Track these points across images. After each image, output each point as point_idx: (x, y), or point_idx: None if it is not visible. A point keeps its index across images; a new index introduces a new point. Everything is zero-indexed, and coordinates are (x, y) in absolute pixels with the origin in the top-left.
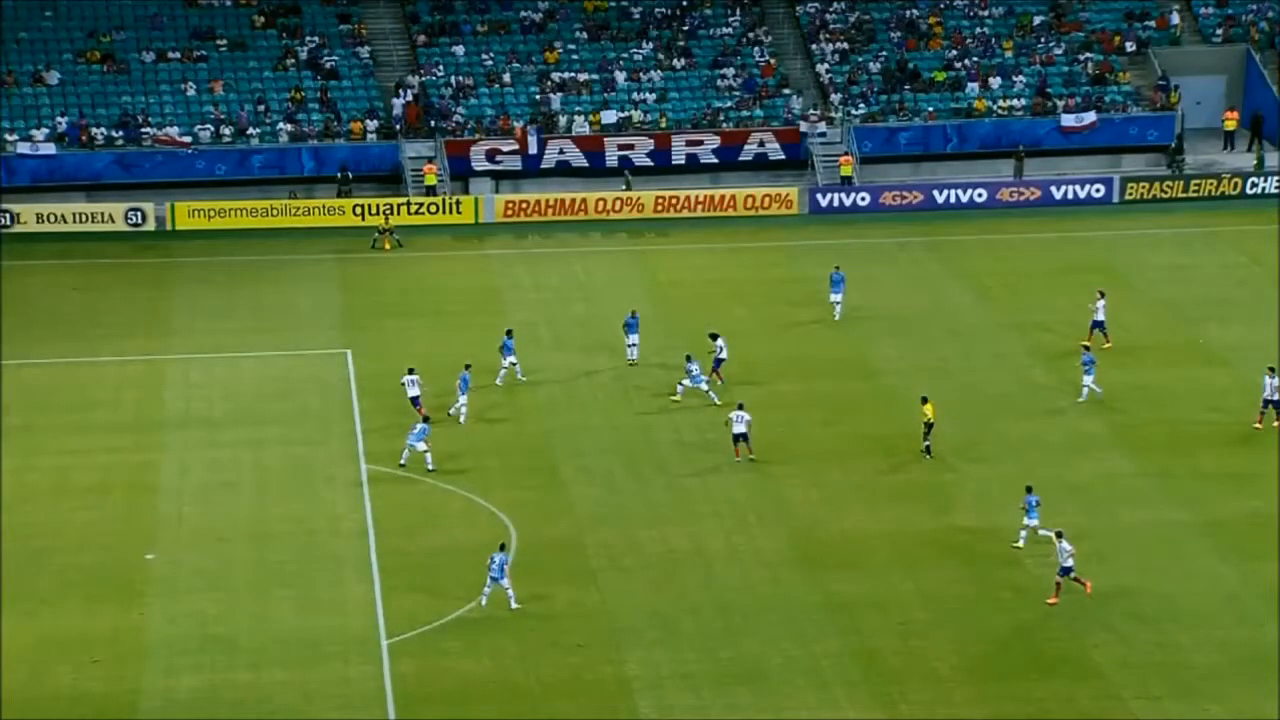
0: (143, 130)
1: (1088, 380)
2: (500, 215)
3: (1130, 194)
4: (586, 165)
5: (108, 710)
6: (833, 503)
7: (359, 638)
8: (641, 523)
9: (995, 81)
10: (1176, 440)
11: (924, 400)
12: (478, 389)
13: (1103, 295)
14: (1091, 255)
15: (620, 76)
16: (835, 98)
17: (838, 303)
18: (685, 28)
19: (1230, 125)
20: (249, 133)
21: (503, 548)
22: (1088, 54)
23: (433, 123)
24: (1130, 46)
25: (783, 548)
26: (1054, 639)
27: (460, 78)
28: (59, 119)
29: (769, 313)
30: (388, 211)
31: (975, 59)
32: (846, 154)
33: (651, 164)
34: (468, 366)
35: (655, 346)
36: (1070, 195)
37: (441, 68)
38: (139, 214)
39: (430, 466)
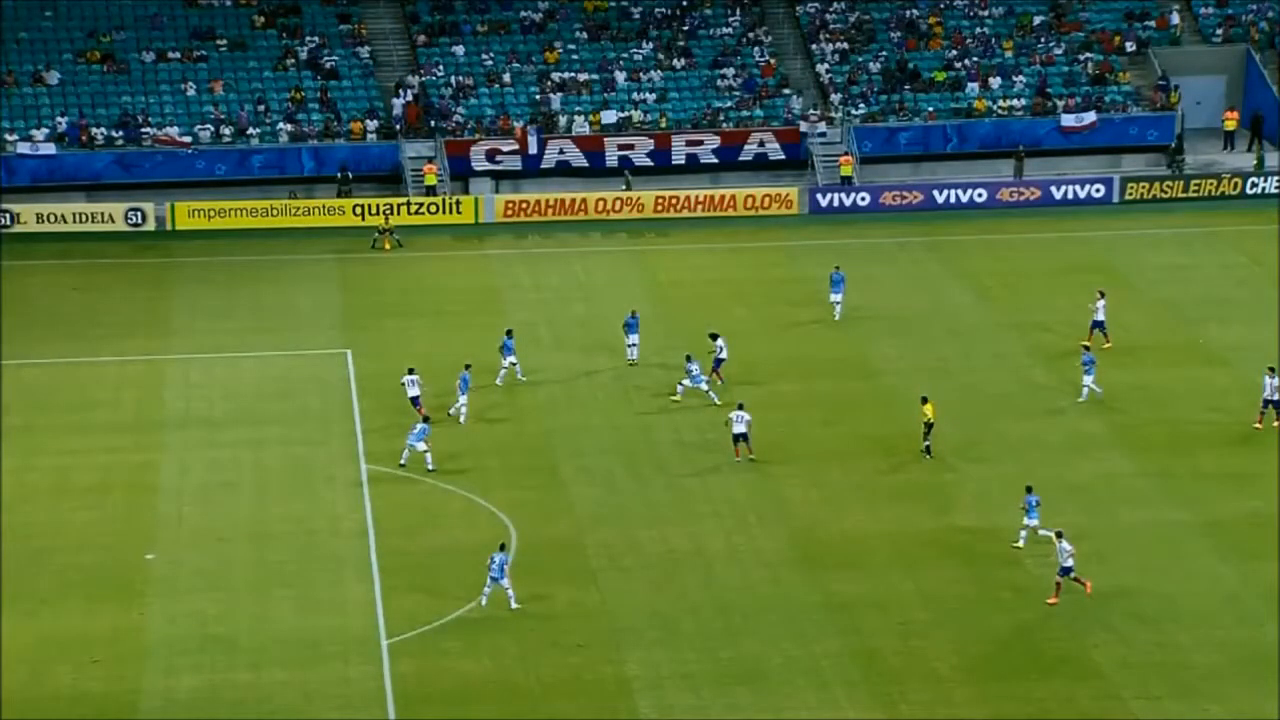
0: (143, 130)
1: (1088, 380)
2: (500, 215)
3: (1130, 194)
4: (586, 165)
5: (108, 710)
6: (833, 503)
7: (359, 638)
8: (641, 523)
9: (995, 81)
10: (1176, 440)
11: (924, 400)
12: (478, 389)
13: (1103, 295)
14: (1091, 255)
15: (620, 76)
16: (835, 98)
17: (838, 303)
18: (685, 28)
19: (1230, 125)
20: (249, 133)
21: (502, 548)
22: (1088, 54)
23: (433, 123)
24: (1130, 46)
25: (783, 548)
26: (1054, 639)
27: (460, 78)
28: (59, 119)
29: (769, 313)
30: (388, 211)
31: (975, 59)
32: (846, 154)
33: (651, 164)
34: (468, 366)
35: (655, 346)
36: (1070, 195)
37: (441, 68)
38: (139, 214)
39: (430, 466)
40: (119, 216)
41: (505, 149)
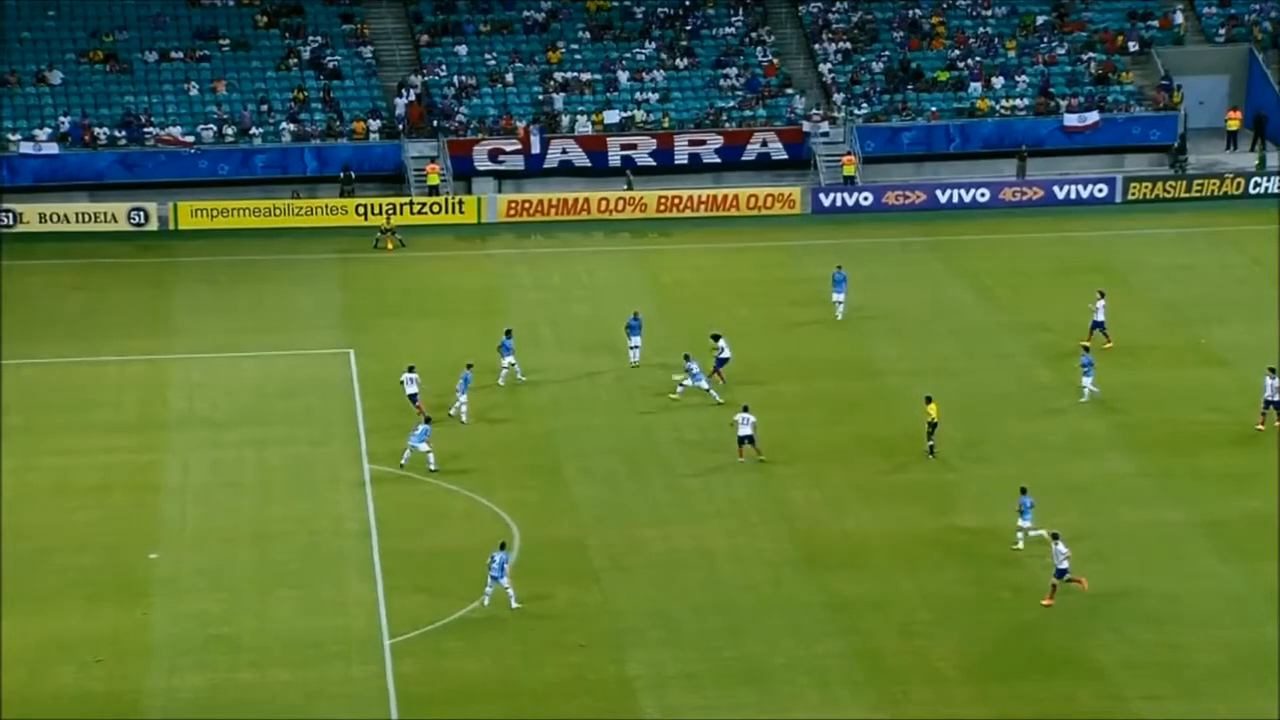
0: (145, 130)
1: (1086, 381)
2: (503, 215)
3: (1133, 194)
4: (589, 165)
5: (110, 710)
6: (835, 503)
7: (361, 638)
8: (644, 522)
9: (998, 81)
10: (1178, 440)
11: (928, 400)
12: (479, 389)
13: (1103, 295)
14: (1094, 255)
15: (623, 76)
16: (838, 97)
17: (840, 302)
18: (688, 27)
19: (1233, 125)
20: (252, 132)
21: (503, 546)
22: (1090, 54)
23: (435, 122)
24: (1133, 46)
25: (785, 548)
26: (1056, 639)
27: (463, 77)
28: (62, 119)
29: (771, 313)
30: (390, 211)
31: (978, 59)
32: (849, 154)
33: (654, 164)
34: (469, 366)
35: (657, 346)
36: (1073, 195)
37: (444, 67)
38: (142, 214)
39: (432, 467)
40: (122, 216)
41: (508, 149)
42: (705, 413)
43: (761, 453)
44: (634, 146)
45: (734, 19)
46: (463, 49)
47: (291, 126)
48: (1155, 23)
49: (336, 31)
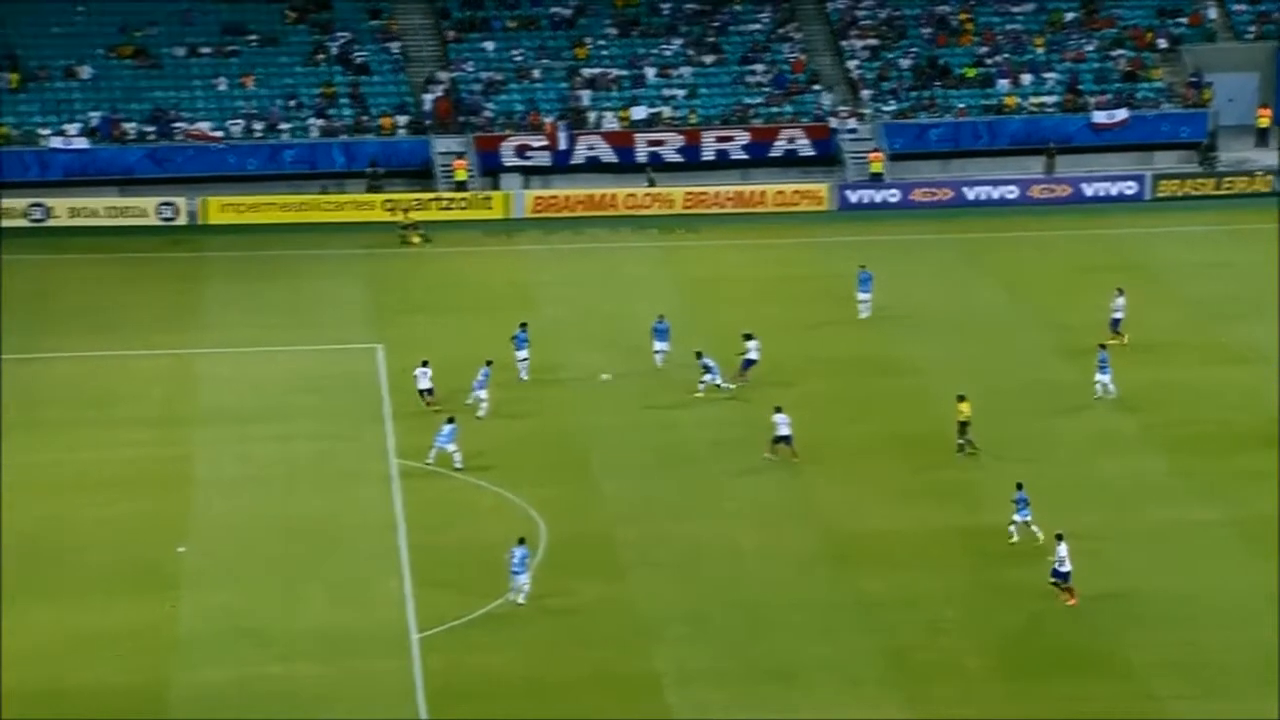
0: (174, 125)
1: (1103, 379)
2: (530, 211)
3: (1162, 191)
4: (616, 161)
5: (137, 703)
6: (862, 500)
7: (389, 632)
8: (670, 519)
9: (1026, 78)
10: (1207, 439)
11: (960, 399)
12: (506, 384)
13: (1121, 293)
14: (1122, 253)
15: (650, 72)
16: (865, 94)
17: (865, 301)
18: (715, 24)
19: (1263, 122)
20: (280, 128)
21: (521, 541)
22: (1119, 50)
23: (463, 118)
24: (1162, 43)
25: (812, 545)
26: (1085, 638)
27: (490, 73)
28: (92, 113)
29: (798, 310)
30: (409, 207)
31: (1006, 55)
32: (877, 150)
33: (681, 160)
34: (489, 363)
35: (685, 343)
36: (1101, 192)
37: (472, 63)
38: (171, 208)
39: (458, 465)
40: (151, 211)
41: (535, 145)
42: (731, 409)
43: (796, 454)
44: (661, 143)
45: (761, 15)
46: (490, 45)
47: (320, 122)
48: (1185, 19)
49: (364, 27)
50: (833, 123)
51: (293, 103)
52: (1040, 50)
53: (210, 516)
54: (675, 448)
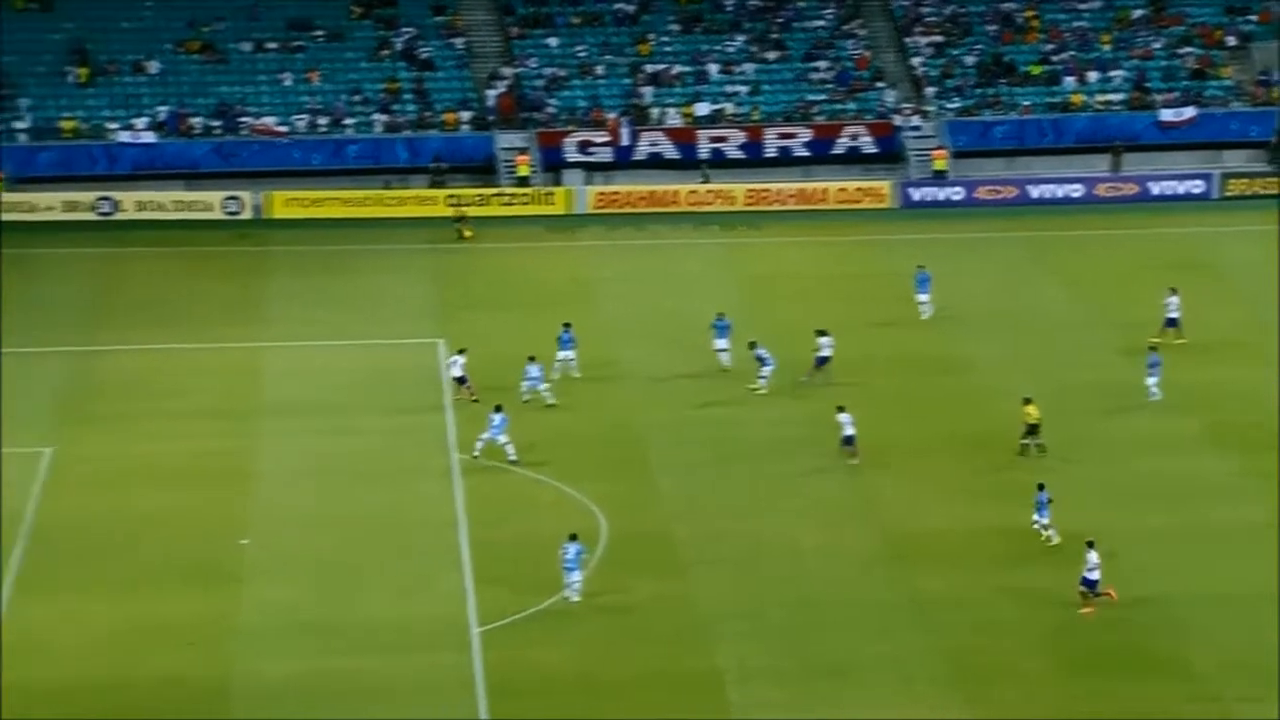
0: (240, 119)
1: (1151, 381)
2: (592, 207)
3: (1230, 190)
4: (679, 157)
5: (200, 695)
6: (922, 500)
7: (449, 626)
8: (729, 516)
9: (1092, 75)
10: (1269, 440)
11: (1026, 401)
12: (561, 381)
13: (1175, 291)
14: (1189, 252)
15: (713, 69)
16: (929, 91)
17: (924, 302)
18: (779, 20)
19: None
20: (344, 123)
21: (573, 538)
22: (1188, 48)
23: (526, 114)
24: (1231, 40)
25: (871, 544)
26: (1145, 639)
27: (554, 69)
28: (159, 108)
29: (860, 308)
30: (459, 201)
31: (1072, 52)
32: (940, 148)
33: (744, 157)
34: (531, 359)
35: (745, 340)
36: (1168, 191)
37: (535, 59)
38: (236, 202)
39: (512, 458)
40: (216, 205)
41: (598, 140)
42: (789, 406)
43: (857, 454)
44: (723, 139)
45: (825, 12)
46: (553, 41)
47: (384, 117)
48: (1254, 17)
49: (429, 23)
50: (896, 120)
51: (357, 98)
52: (1107, 47)
53: (272, 510)
54: (734, 445)
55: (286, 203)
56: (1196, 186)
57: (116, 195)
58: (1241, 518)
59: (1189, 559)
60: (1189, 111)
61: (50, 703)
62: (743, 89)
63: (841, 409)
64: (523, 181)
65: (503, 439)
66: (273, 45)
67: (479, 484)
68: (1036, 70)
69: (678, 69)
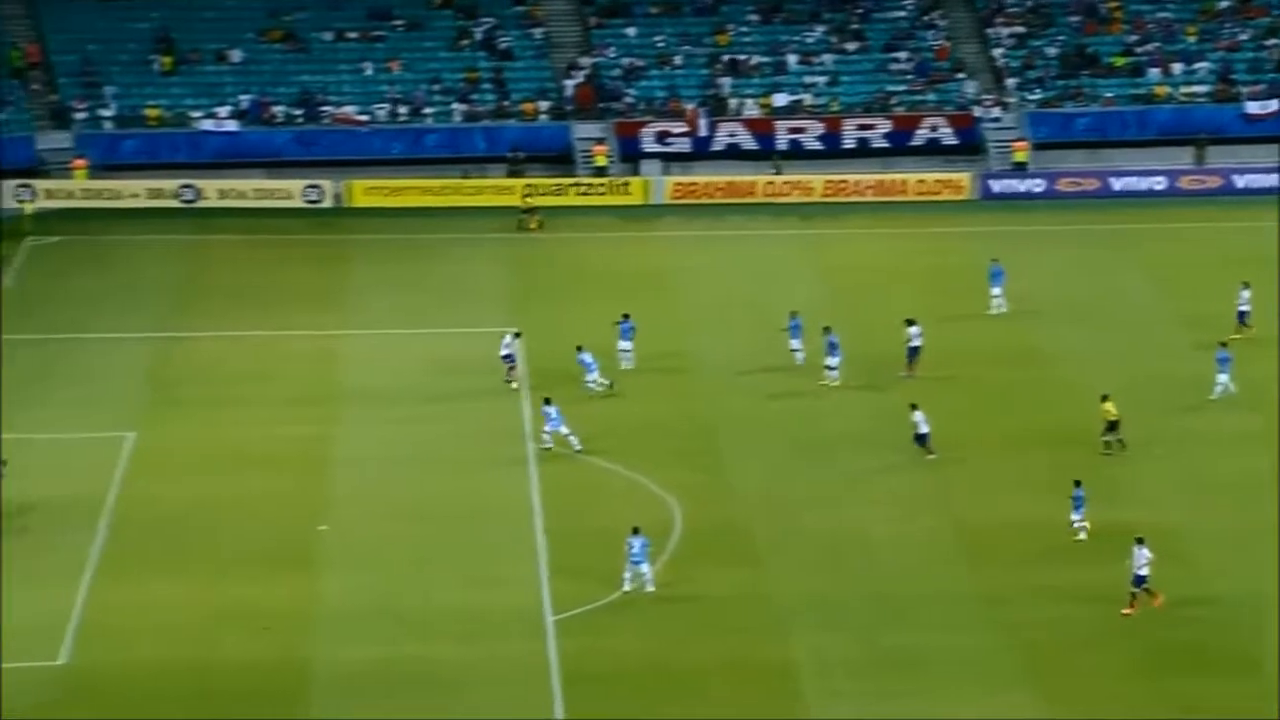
0: (321, 108)
1: (1223, 378)
2: (669, 197)
3: None
4: (757, 148)
5: (278, 679)
6: (999, 494)
7: (524, 615)
8: (804, 508)
9: (1177, 67)
10: None
11: (1104, 398)
12: (636, 372)
13: (1247, 285)
14: (1272, 246)
15: (792, 59)
16: (1010, 82)
17: (997, 296)
18: (858, 10)
19: None
20: (424, 112)
21: (636, 531)
22: (1274, 40)
23: (604, 104)
24: None
25: (946, 537)
26: (1221, 637)
27: (632, 59)
28: (241, 96)
29: (938, 300)
30: (529, 192)
31: (1157, 44)
32: (1021, 139)
33: (822, 148)
34: (579, 348)
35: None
36: (1254, 184)
37: (613, 49)
38: (317, 191)
39: (578, 448)
40: (297, 193)
41: (675, 131)
42: (863, 399)
43: (933, 451)
44: (801, 130)
45: (905, 2)
46: (632, 31)
47: (463, 107)
48: None
49: (508, 13)
50: (976, 111)
51: (436, 87)
52: (1192, 39)
53: (350, 496)
54: (808, 436)
55: (366, 191)
56: None
57: (199, 183)
58: None
59: (1261, 557)
60: (1275, 104)
61: (130, 685)
62: (821, 79)
63: (915, 407)
64: (600, 171)
65: (564, 429)
66: (353, 34)
67: (554, 473)
68: (1120, 62)
69: (756, 59)
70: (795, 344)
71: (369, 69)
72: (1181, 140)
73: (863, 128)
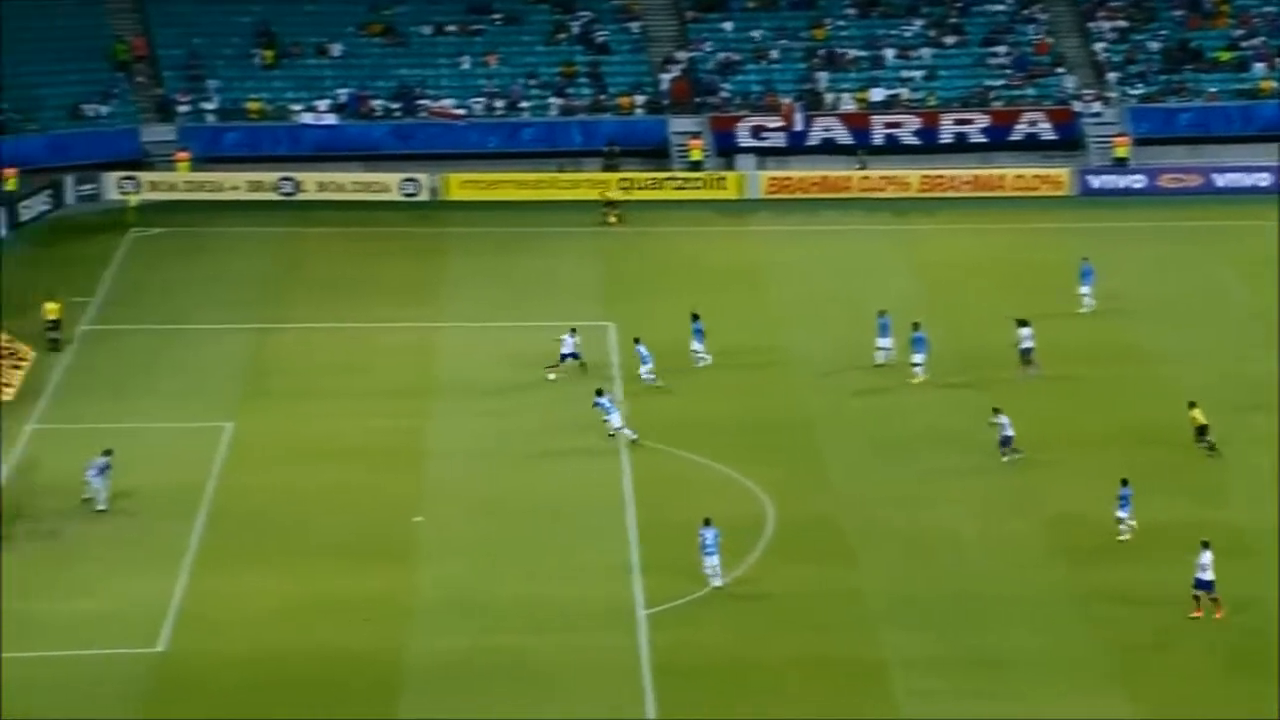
0: (419, 102)
1: None
2: (764, 192)
3: None
4: (852, 143)
5: (372, 668)
6: (1090, 493)
7: (616, 607)
8: (893, 505)
9: None
10: None
11: (1191, 405)
12: (727, 367)
13: None
14: None
15: (889, 53)
16: (1112, 77)
17: (1086, 294)
18: (957, 4)
19: None
20: (520, 106)
21: (708, 523)
22: None
23: (699, 98)
24: None
25: (1035, 536)
26: None
27: (728, 53)
28: (340, 90)
29: (1035, 297)
30: (609, 186)
31: (1262, 38)
32: (1122, 135)
33: (918, 143)
34: (636, 340)
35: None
36: None
37: (710, 43)
38: (414, 184)
39: (633, 437)
40: (394, 186)
41: (771, 125)
42: (950, 397)
43: (1020, 450)
44: (898, 125)
45: None
46: (729, 25)
47: (559, 101)
48: None
49: (606, 7)
50: (1076, 106)
51: (533, 81)
52: None
53: (444, 488)
54: (896, 433)
55: (462, 184)
56: None
57: (298, 176)
58: None
59: None
60: None
61: (226, 673)
62: (919, 74)
63: (998, 410)
64: (695, 166)
65: (616, 421)
66: (452, 28)
67: (646, 466)
68: (1225, 56)
69: (853, 53)
70: (882, 343)
71: (466, 63)
72: None
73: (960, 122)
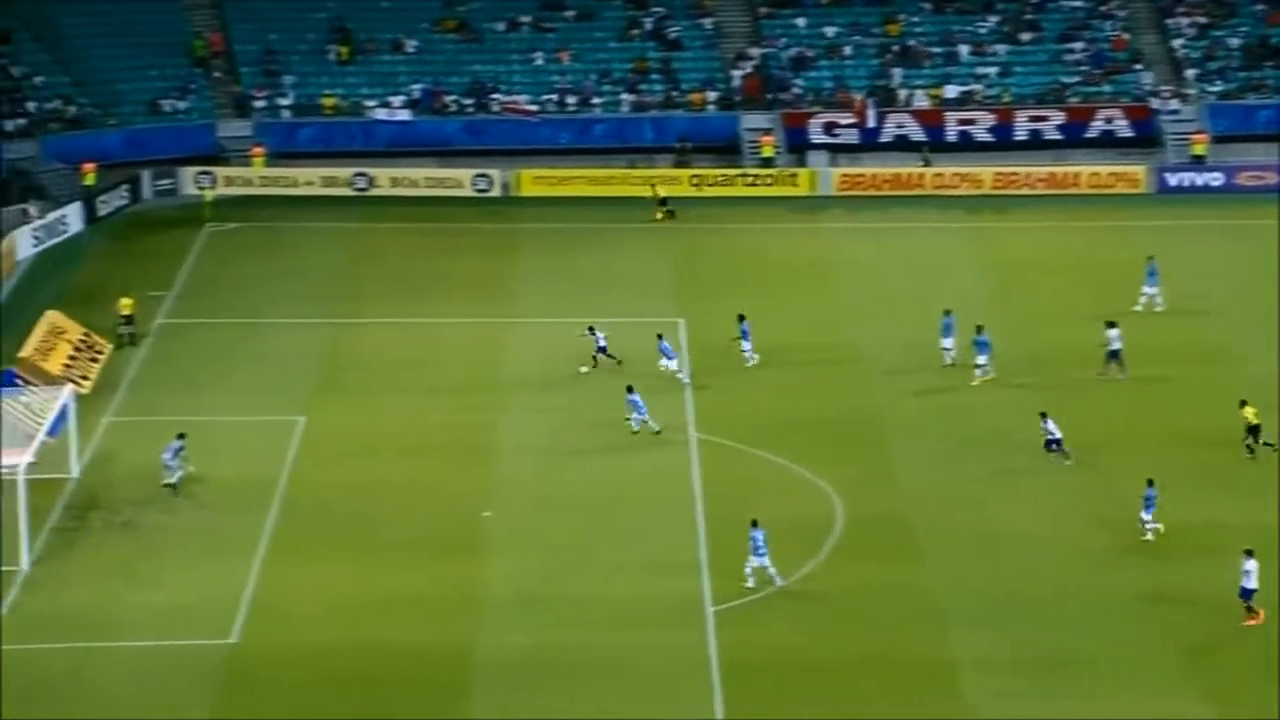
0: (492, 97)
1: None
2: (836, 188)
3: None
4: (926, 140)
5: (441, 662)
6: (1160, 493)
7: (685, 604)
8: (961, 504)
9: None
10: None
11: (1243, 404)
12: (796, 364)
13: None
14: None
15: (964, 50)
16: (1190, 73)
17: (1151, 294)
18: (1033, 0)
19: None
20: (592, 102)
21: (755, 524)
22: None
23: (771, 95)
24: None
25: (1102, 536)
26: None
27: (800, 49)
28: (414, 86)
29: (1109, 296)
30: (656, 182)
31: None
32: (1200, 132)
33: (993, 140)
34: (659, 336)
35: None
36: None
37: (783, 39)
38: (486, 180)
39: (655, 429)
40: (466, 182)
41: (843, 122)
42: (1013, 396)
43: (1067, 454)
44: (972, 122)
45: None
46: (802, 20)
47: (631, 97)
48: None
49: (678, 3)
50: (1154, 103)
51: (605, 77)
52: None
53: (513, 484)
54: (964, 433)
55: (534, 180)
56: None
57: (372, 171)
58: None
59: None
60: None
61: (297, 665)
62: (993, 70)
63: (1044, 415)
64: (767, 162)
65: (646, 416)
66: (525, 24)
67: (715, 462)
68: None
69: (927, 49)
70: (946, 343)
71: (539, 59)
72: None
73: (1035, 119)
